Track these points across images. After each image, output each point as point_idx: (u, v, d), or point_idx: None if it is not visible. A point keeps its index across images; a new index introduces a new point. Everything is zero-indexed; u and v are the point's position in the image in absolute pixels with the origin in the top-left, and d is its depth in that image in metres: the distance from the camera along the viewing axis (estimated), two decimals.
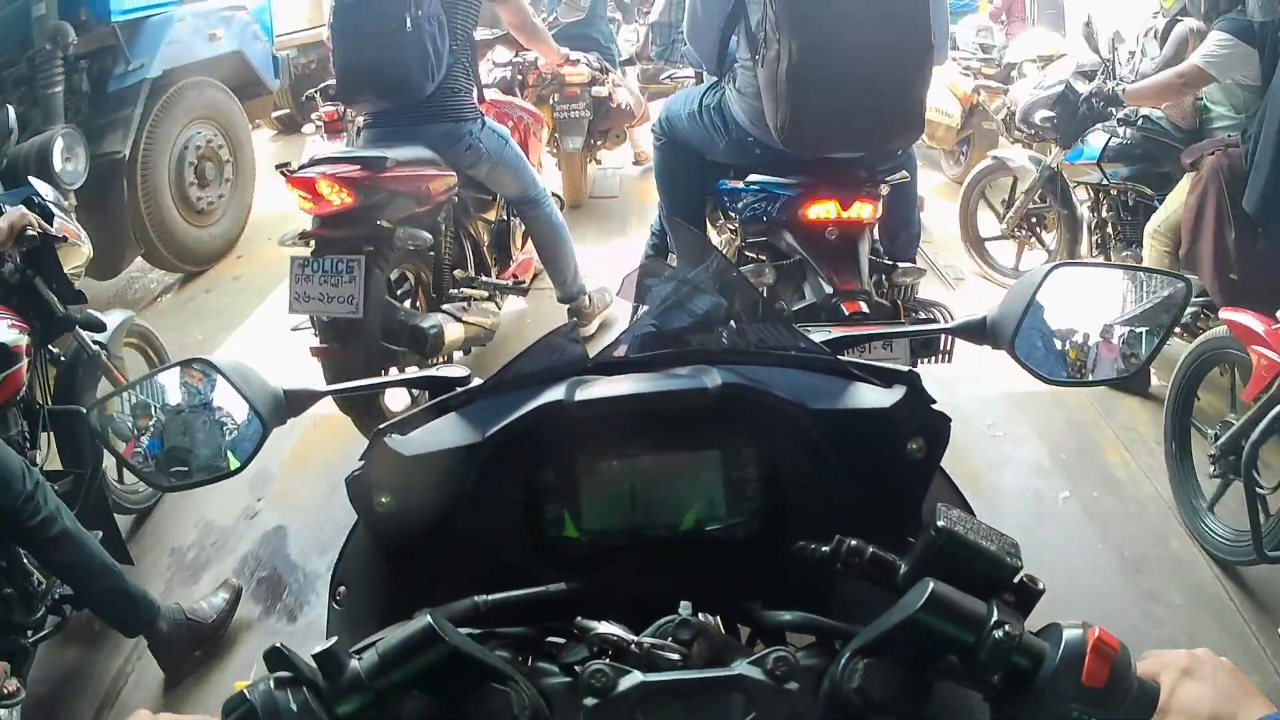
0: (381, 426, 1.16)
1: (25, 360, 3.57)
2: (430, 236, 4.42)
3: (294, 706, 0.83)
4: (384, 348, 4.23)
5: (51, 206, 3.80)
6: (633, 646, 0.96)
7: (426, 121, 4.42)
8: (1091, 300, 1.37)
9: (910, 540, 1.01)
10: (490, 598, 1.06)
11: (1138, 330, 1.38)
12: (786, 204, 3.49)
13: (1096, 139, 5.29)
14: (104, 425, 1.34)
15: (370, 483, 1.14)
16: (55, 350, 3.89)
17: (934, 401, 1.20)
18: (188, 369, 1.33)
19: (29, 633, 3.28)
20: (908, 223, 4.02)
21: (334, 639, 0.88)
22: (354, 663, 0.88)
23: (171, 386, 1.34)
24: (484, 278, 4.98)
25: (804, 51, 3.16)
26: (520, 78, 6.28)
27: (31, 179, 4.28)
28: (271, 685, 0.85)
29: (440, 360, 4.42)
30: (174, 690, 3.39)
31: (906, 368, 1.22)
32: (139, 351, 4.45)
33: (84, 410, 3.80)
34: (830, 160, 3.53)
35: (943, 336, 3.45)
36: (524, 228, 5.35)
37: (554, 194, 5.36)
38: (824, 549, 1.00)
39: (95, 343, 3.99)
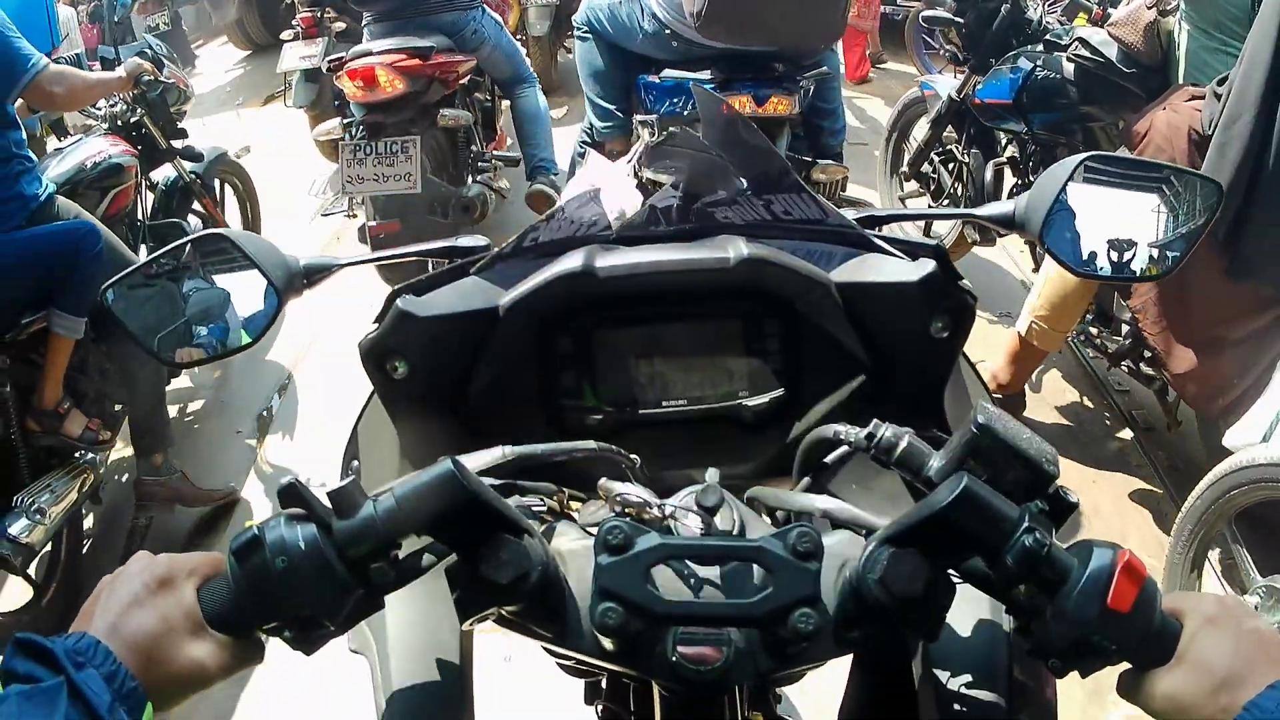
0: (397, 287, 1.14)
1: (133, 180, 4.26)
2: (468, 114, 4.90)
3: (302, 544, 0.82)
4: (431, 220, 4.66)
5: (163, 59, 4.37)
6: (655, 510, 0.94)
7: (435, 12, 4.77)
8: (1123, 195, 1.31)
9: (938, 434, 1.03)
10: (516, 449, 1.02)
11: (1170, 228, 1.32)
12: None
13: (1012, 68, 4.12)
14: (120, 302, 1.29)
15: (385, 346, 1.13)
16: (154, 179, 4.57)
17: (961, 278, 1.16)
18: (203, 243, 1.28)
19: (120, 404, 3.89)
20: (831, 121, 3.98)
21: (351, 478, 0.85)
22: (368, 504, 0.85)
23: (186, 261, 1.29)
24: (490, 150, 5.45)
25: None
26: None
27: (146, 35, 4.91)
28: (282, 521, 0.83)
29: (475, 222, 4.97)
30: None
31: (934, 241, 1.22)
32: (229, 185, 5.19)
33: (180, 223, 4.62)
34: (747, 55, 3.53)
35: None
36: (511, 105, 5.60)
37: None
38: (858, 433, 0.98)
39: (191, 173, 4.61)
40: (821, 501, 0.99)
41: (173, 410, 4.33)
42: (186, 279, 1.27)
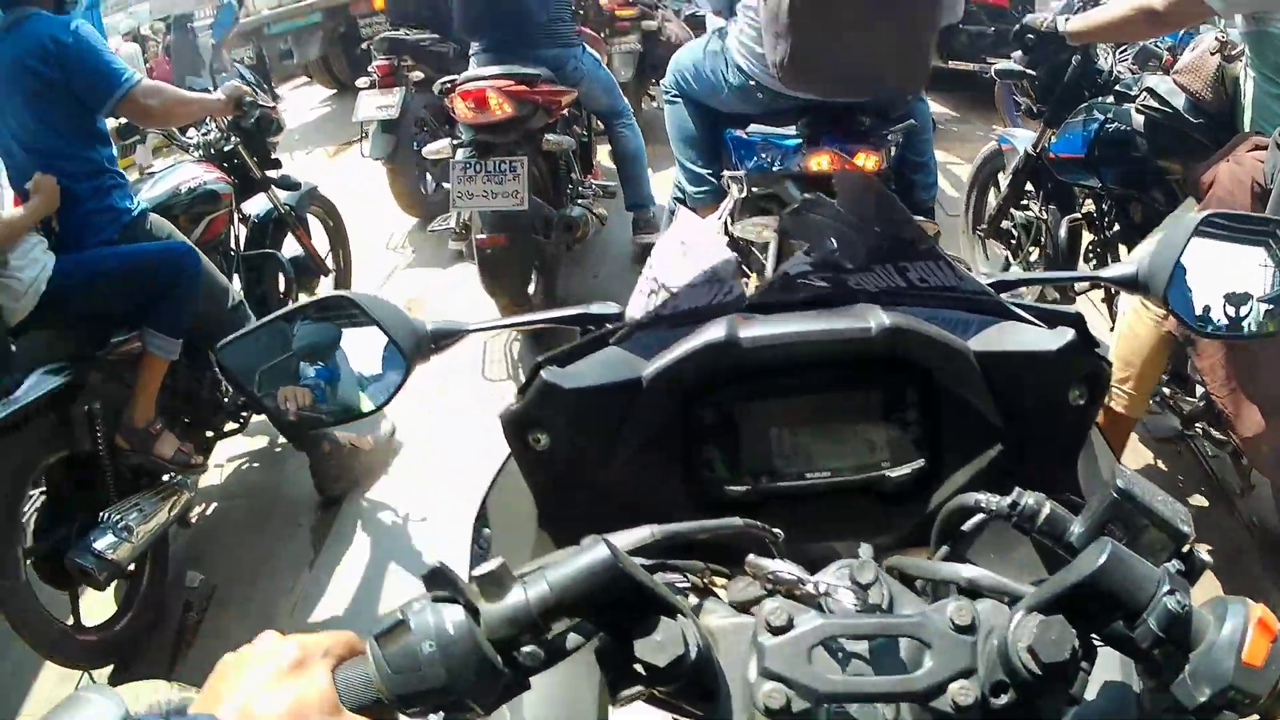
0: (542, 359, 1.14)
1: (228, 208, 4.28)
2: (570, 141, 5.12)
3: (451, 629, 0.81)
4: (534, 238, 4.83)
5: (254, 88, 4.41)
6: (810, 587, 0.93)
7: (539, 46, 4.93)
8: (1240, 251, 1.31)
9: (1070, 497, 1.02)
10: (663, 528, 1.01)
11: None
12: (788, 155, 3.40)
13: (1084, 121, 3.92)
14: (235, 361, 1.30)
15: (528, 418, 1.13)
16: (245, 210, 4.56)
17: (1098, 345, 1.16)
18: (326, 304, 1.29)
19: (211, 431, 4.00)
20: (923, 174, 3.90)
21: (499, 559, 0.85)
22: (518, 587, 0.84)
23: (307, 322, 1.30)
24: (589, 179, 5.66)
25: None
26: (581, 12, 6.51)
27: (238, 65, 5.03)
28: (429, 605, 0.82)
29: (576, 242, 5.30)
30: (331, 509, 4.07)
31: (1073, 309, 1.20)
32: (319, 219, 5.23)
33: (273, 254, 4.69)
34: (833, 108, 3.43)
35: None
36: (608, 138, 5.81)
37: None
38: (999, 501, 0.98)
39: (285, 204, 4.67)
40: (966, 570, 0.97)
41: None
42: (308, 340, 1.29)
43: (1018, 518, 0.95)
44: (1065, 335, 1.12)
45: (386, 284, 6.04)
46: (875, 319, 1.10)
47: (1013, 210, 4.54)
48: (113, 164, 3.62)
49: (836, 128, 3.36)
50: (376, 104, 6.45)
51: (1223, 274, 1.28)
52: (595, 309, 1.36)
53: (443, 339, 1.29)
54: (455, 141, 4.75)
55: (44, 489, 3.39)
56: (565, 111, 5.16)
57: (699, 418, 1.16)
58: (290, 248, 4.92)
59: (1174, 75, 3.60)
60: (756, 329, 1.11)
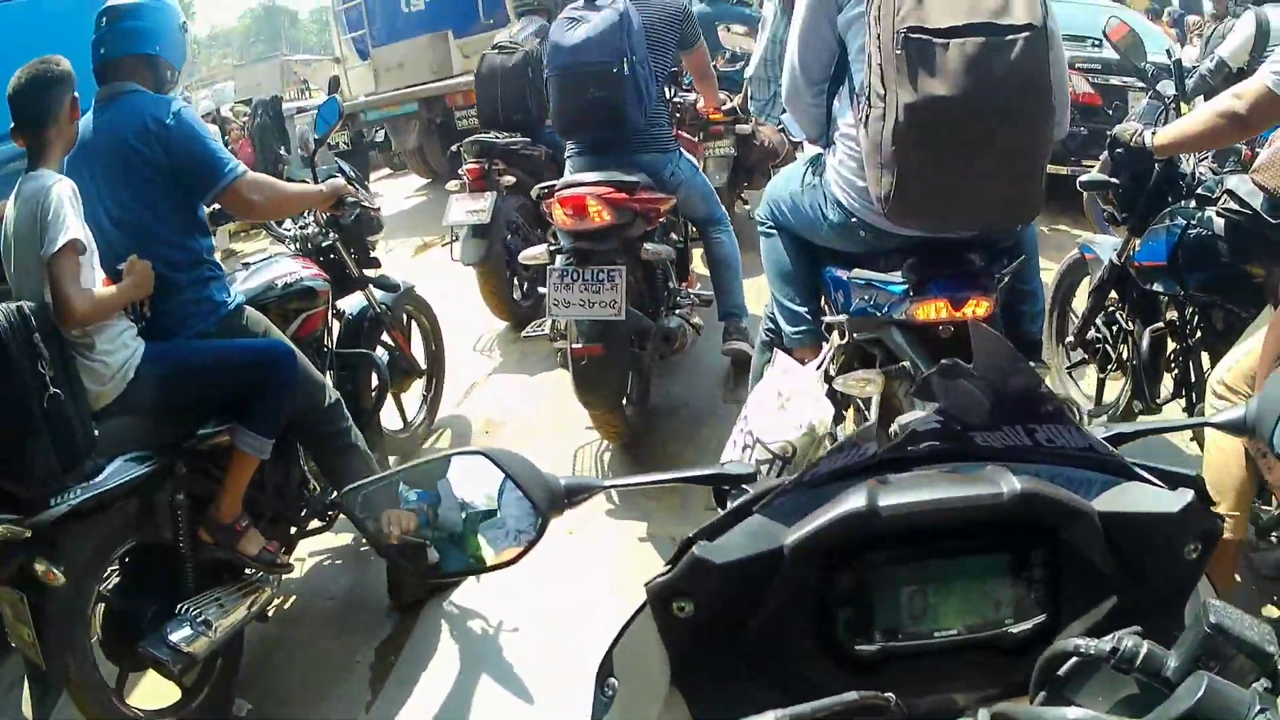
0: (691, 535, 1.17)
1: (325, 305, 4.30)
2: (669, 250, 5.07)
3: None
4: (630, 349, 4.80)
5: (355, 185, 4.48)
6: None
7: (637, 151, 4.93)
8: None
9: (1173, 633, 1.04)
10: (786, 711, 1.04)
11: None
12: (893, 301, 3.19)
13: (1167, 228, 3.88)
14: (364, 509, 1.34)
15: (675, 589, 1.15)
16: (340, 307, 4.60)
17: (1214, 504, 1.22)
18: (458, 458, 1.32)
19: (296, 527, 3.97)
20: (1031, 303, 3.68)
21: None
22: None
23: (441, 475, 1.32)
24: (684, 288, 5.61)
25: (913, 109, 2.80)
26: (678, 116, 6.46)
27: (338, 159, 5.10)
28: None
29: (674, 353, 5.26)
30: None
31: (1193, 471, 1.23)
32: (414, 319, 5.31)
33: (368, 354, 4.70)
34: (941, 246, 3.22)
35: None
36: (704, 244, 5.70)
37: None
38: (1099, 645, 1.01)
39: (381, 304, 4.70)
40: (1071, 713, 1.00)
41: None
42: (441, 492, 1.30)
43: (1118, 660, 0.98)
44: (1185, 497, 1.15)
45: (472, 392, 6.11)
46: (1007, 484, 1.12)
47: (1098, 320, 4.49)
48: (211, 254, 3.66)
49: (945, 270, 3.17)
50: (467, 208, 6.44)
51: None
52: (730, 469, 1.39)
53: (576, 494, 1.31)
54: (552, 248, 4.74)
55: (117, 571, 3.40)
56: (664, 219, 5.12)
57: (834, 580, 1.17)
58: (384, 347, 4.96)
59: (1252, 175, 3.53)
60: (894, 496, 1.12)
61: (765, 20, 5.37)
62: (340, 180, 4.33)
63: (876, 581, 1.17)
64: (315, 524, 4.09)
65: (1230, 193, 3.60)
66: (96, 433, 3.10)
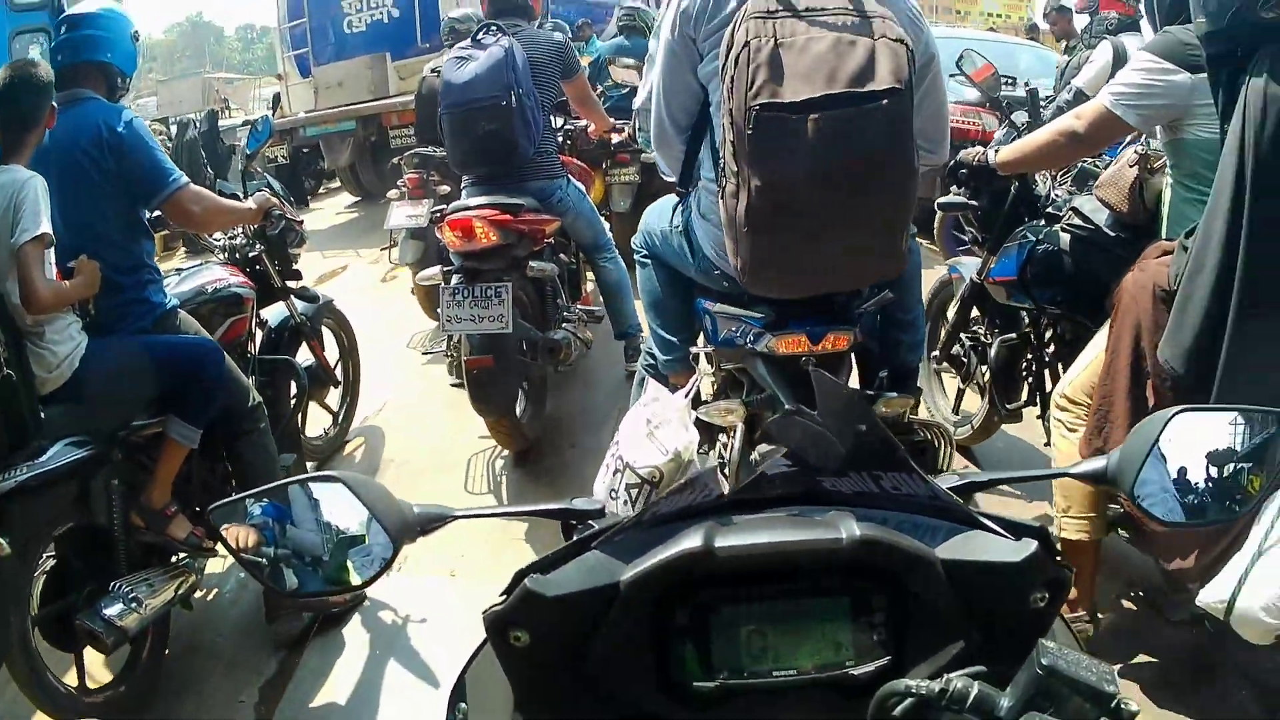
0: (524, 568, 1.19)
1: (249, 313, 4.57)
2: (554, 267, 5.32)
3: None
4: (520, 359, 5.02)
5: (282, 200, 4.78)
6: None
7: (527, 179, 5.17)
8: (1210, 443, 1.38)
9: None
10: None
11: (1252, 471, 1.38)
12: (756, 335, 3.17)
13: (1018, 245, 4.09)
14: (228, 525, 1.36)
15: (509, 619, 1.17)
16: (264, 318, 4.87)
17: (1060, 554, 1.23)
18: (317, 482, 1.34)
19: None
20: (911, 334, 3.63)
21: None
22: None
23: (299, 497, 1.35)
24: (575, 305, 5.86)
25: (765, 191, 2.69)
26: (570, 142, 6.89)
27: (267, 175, 5.46)
28: None
29: (560, 366, 5.47)
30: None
31: (1037, 523, 1.25)
32: (331, 331, 5.57)
33: (289, 360, 4.95)
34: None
35: (943, 452, 3.48)
36: (591, 270, 6.04)
37: None
38: (930, 685, 1.02)
39: (302, 314, 5.06)
40: None
41: None
42: (298, 514, 1.34)
43: (948, 700, 1.00)
44: (1029, 547, 1.19)
45: (385, 409, 6.31)
46: (847, 529, 1.17)
47: (962, 335, 4.71)
48: (151, 258, 3.84)
49: (805, 309, 3.14)
50: (406, 214, 6.92)
51: (1195, 466, 1.37)
52: (577, 504, 1.44)
53: (429, 523, 1.37)
54: (445, 269, 4.96)
55: (53, 555, 3.52)
56: (551, 240, 5.36)
57: (672, 617, 1.20)
58: (302, 357, 5.19)
59: (1095, 191, 3.77)
60: (731, 538, 1.17)
61: (651, 56, 5.05)
62: (266, 195, 4.58)
63: (716, 620, 1.20)
64: None
65: (1075, 210, 3.89)
66: (43, 416, 3.27)
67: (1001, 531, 1.23)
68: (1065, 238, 3.91)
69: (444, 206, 5.13)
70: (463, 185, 5.41)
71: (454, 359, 5.19)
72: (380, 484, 1.35)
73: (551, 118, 5.66)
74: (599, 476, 3.14)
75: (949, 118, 3.30)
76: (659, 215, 3.63)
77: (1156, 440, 1.34)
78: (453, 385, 5.31)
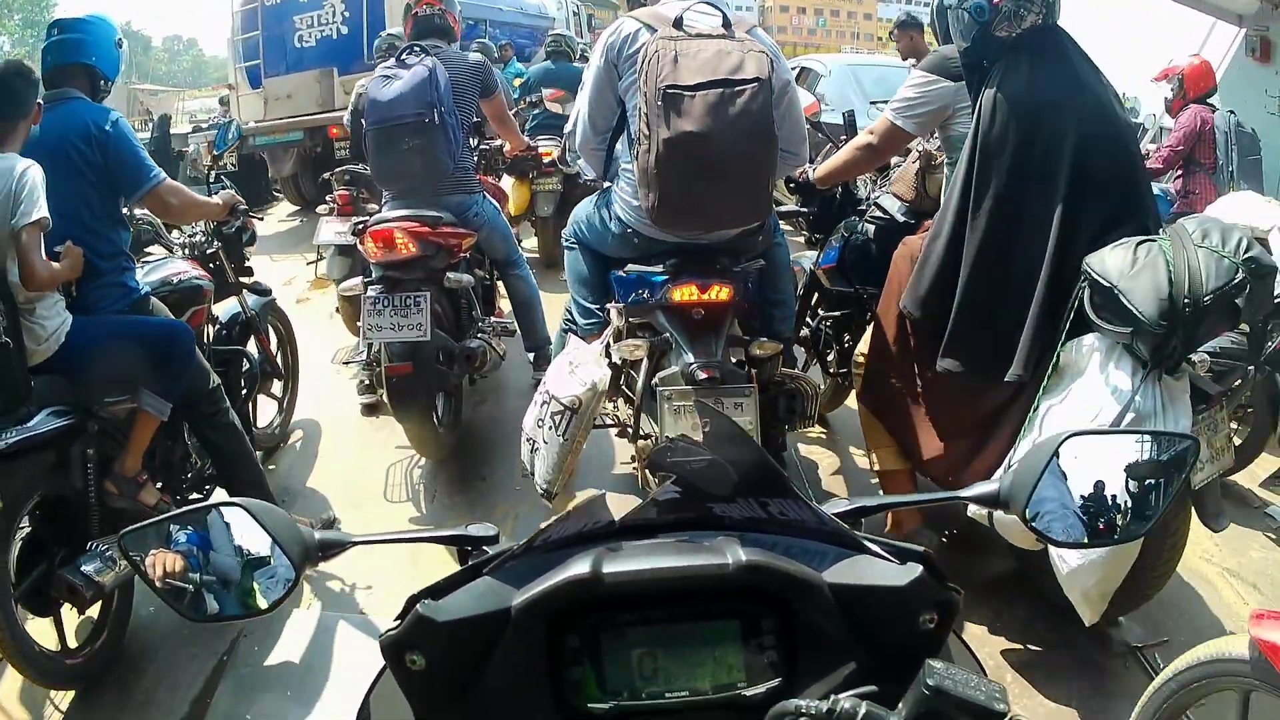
0: (416, 593, 1.20)
1: (207, 304, 4.92)
2: (470, 279, 5.43)
3: None
4: (437, 367, 5.16)
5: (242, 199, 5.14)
6: None
7: (446, 193, 5.36)
8: (1102, 464, 1.40)
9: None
10: None
11: (1147, 490, 1.41)
12: (657, 289, 3.86)
13: (838, 237, 4.86)
14: (138, 551, 1.35)
15: (403, 643, 1.19)
16: (215, 312, 5.18)
17: (945, 578, 1.23)
18: (222, 509, 1.35)
19: (179, 496, 4.39)
20: (781, 309, 4.38)
21: None
22: None
23: (206, 523, 1.36)
24: (490, 318, 6.00)
25: (669, 142, 3.56)
26: (484, 161, 6.95)
27: (224, 178, 5.94)
28: None
29: (477, 375, 5.67)
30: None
31: (921, 548, 1.26)
32: (274, 328, 5.90)
33: (243, 350, 5.32)
34: (694, 250, 3.96)
35: (805, 406, 4.12)
36: (503, 284, 6.20)
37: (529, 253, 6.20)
38: (819, 706, 1.04)
39: (252, 309, 5.42)
40: None
41: None
42: (205, 540, 1.35)
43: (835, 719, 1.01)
44: (914, 571, 1.22)
45: (330, 396, 6.49)
46: (733, 554, 1.20)
47: (807, 319, 5.50)
48: (126, 246, 4.15)
49: (697, 266, 3.90)
50: (335, 230, 7.13)
51: (1088, 487, 1.40)
52: (472, 530, 1.46)
53: (329, 549, 1.40)
54: (366, 279, 5.08)
55: (25, 525, 3.68)
56: (467, 253, 5.51)
57: (566, 642, 1.22)
58: (249, 350, 5.48)
59: (890, 187, 4.58)
60: (620, 564, 1.20)
61: (585, 83, 5.87)
62: (232, 193, 5.00)
63: (608, 644, 1.22)
64: (195, 495, 4.54)
65: (876, 204, 4.67)
66: (32, 384, 3.51)
67: (887, 556, 1.26)
68: (870, 228, 4.66)
69: (365, 219, 5.28)
70: (383, 200, 5.61)
71: (365, 378, 5.32)
72: (281, 510, 1.38)
73: (469, 136, 5.85)
74: (528, 413, 4.00)
75: (805, 128, 4.19)
76: (584, 207, 4.49)
77: (1049, 463, 1.38)
78: (363, 410, 5.43)
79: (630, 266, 4.05)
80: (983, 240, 3.52)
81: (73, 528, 3.81)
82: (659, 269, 3.94)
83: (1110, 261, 3.19)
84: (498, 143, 6.91)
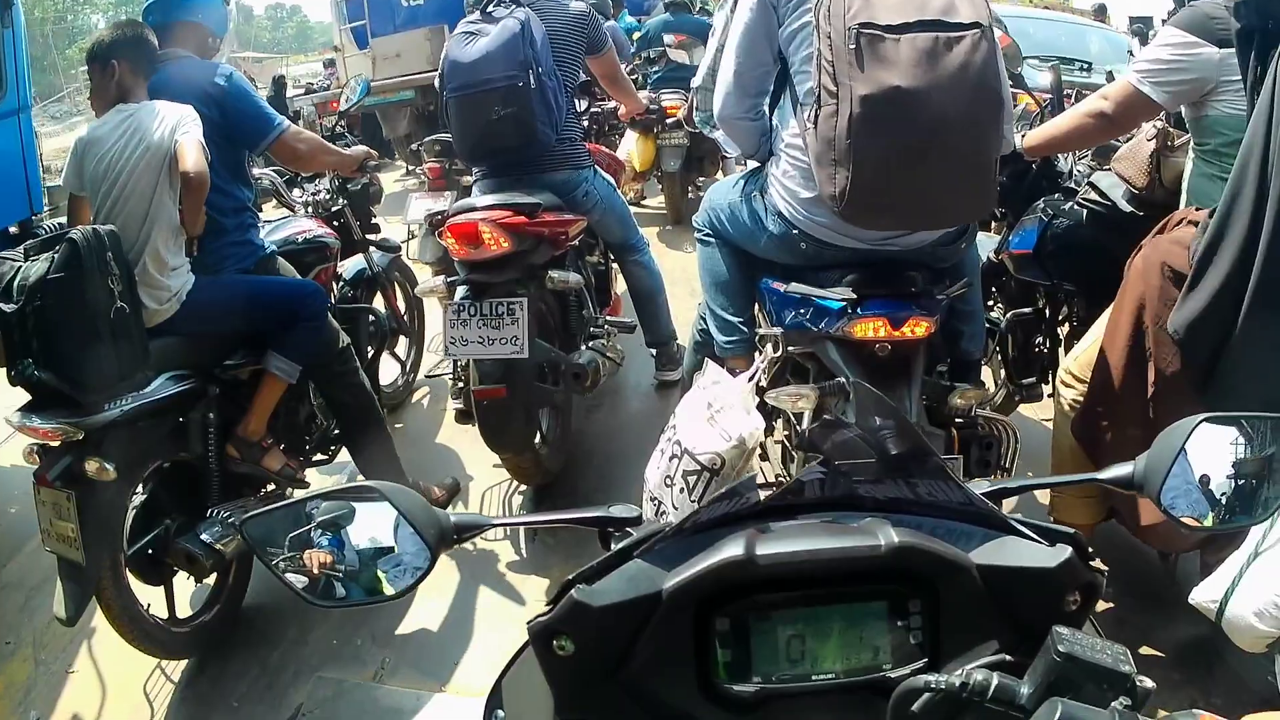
0: (570, 577, 1.20)
1: (333, 262, 4.82)
2: (579, 277, 4.58)
3: None
4: (539, 387, 4.43)
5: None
6: None
7: (548, 170, 4.58)
8: (1237, 449, 1.39)
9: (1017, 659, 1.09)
10: None
11: (1276, 476, 1.39)
12: (831, 317, 3.09)
13: (1037, 220, 4.07)
14: (258, 534, 1.35)
15: (554, 629, 1.18)
16: (339, 269, 5.06)
17: (1093, 559, 1.24)
18: (356, 492, 1.35)
19: (303, 457, 4.34)
20: (972, 325, 3.55)
21: None
22: None
23: (335, 507, 1.34)
24: (604, 315, 5.10)
25: (868, 100, 2.75)
26: (597, 127, 6.46)
27: (345, 134, 5.68)
28: None
29: (587, 390, 4.63)
30: None
31: (1070, 529, 1.25)
32: (399, 286, 5.76)
33: (370, 308, 5.18)
34: (881, 264, 3.17)
35: (1002, 455, 3.28)
36: (621, 272, 5.45)
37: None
38: (949, 680, 1.04)
39: (379, 265, 5.31)
40: None
41: None
42: (336, 524, 1.33)
43: (969, 693, 1.02)
44: (1063, 553, 1.21)
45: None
46: (885, 536, 1.18)
47: None
48: (252, 204, 4.08)
49: (886, 289, 3.11)
50: (426, 207, 6.21)
51: (1223, 471, 1.38)
52: (615, 511, 1.44)
53: (465, 531, 1.38)
54: (449, 280, 4.32)
55: (141, 492, 3.61)
56: (575, 242, 4.77)
57: (713, 623, 1.21)
58: (377, 307, 5.40)
59: (1112, 165, 3.72)
60: (772, 545, 1.18)
61: (715, 29, 4.80)
62: (365, 148, 4.81)
63: (755, 625, 1.21)
64: (319, 456, 4.48)
65: (1093, 185, 3.85)
66: (150, 348, 3.40)
67: (1035, 537, 1.24)
68: (1082, 213, 3.88)
69: (444, 208, 4.69)
70: (473, 179, 4.87)
71: (459, 384, 4.61)
72: (414, 493, 1.35)
73: (575, 100, 5.07)
74: (651, 462, 2.93)
75: (1010, 98, 3.25)
76: (725, 190, 3.63)
77: (1183, 446, 1.35)
78: (457, 418, 4.64)
79: (794, 286, 3.23)
80: (1275, 260, 2.65)
81: (191, 494, 3.73)
82: (835, 293, 3.11)
83: None
84: (611, 105, 6.30)
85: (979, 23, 2.75)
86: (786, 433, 3.50)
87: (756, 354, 3.54)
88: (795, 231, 3.18)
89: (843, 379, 3.10)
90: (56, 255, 3.09)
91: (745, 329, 3.58)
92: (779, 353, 3.36)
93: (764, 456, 3.64)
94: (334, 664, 3.71)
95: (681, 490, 2.74)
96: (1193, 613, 2.74)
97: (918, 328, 3.02)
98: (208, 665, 3.75)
